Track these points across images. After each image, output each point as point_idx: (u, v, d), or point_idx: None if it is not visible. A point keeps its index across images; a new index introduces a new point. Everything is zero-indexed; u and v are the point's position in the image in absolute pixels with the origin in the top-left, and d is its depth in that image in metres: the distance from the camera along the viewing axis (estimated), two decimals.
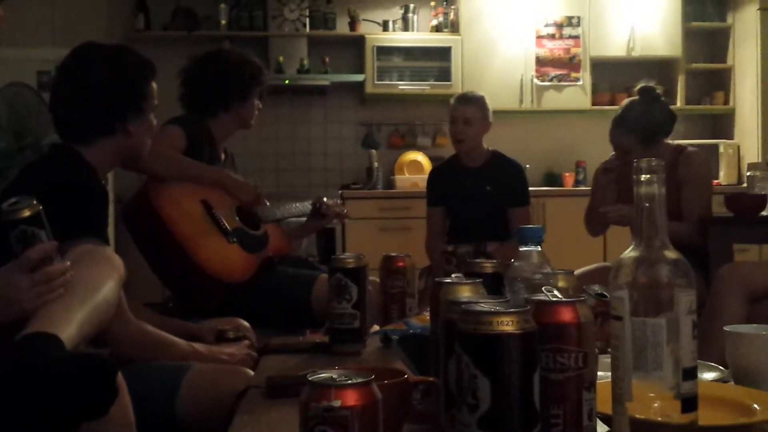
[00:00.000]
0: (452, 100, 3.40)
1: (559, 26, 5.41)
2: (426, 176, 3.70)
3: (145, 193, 2.28)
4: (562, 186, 5.52)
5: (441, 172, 3.52)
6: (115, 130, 1.76)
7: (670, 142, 2.93)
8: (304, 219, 2.79)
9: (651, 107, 2.81)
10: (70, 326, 1.21)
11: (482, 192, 3.31)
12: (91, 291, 1.31)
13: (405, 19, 5.44)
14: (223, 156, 2.62)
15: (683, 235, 2.57)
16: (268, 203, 2.62)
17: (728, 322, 1.63)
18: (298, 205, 2.76)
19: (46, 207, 1.33)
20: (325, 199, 2.76)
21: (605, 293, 1.33)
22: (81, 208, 1.58)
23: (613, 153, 2.89)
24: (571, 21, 5.42)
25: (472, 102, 3.32)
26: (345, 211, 2.83)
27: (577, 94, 5.42)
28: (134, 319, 1.58)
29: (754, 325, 1.37)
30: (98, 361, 1.10)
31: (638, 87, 2.89)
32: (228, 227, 2.36)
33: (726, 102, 5.61)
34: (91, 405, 1.08)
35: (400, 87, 5.30)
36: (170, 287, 2.43)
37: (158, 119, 1.93)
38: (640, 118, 2.79)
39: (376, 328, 1.71)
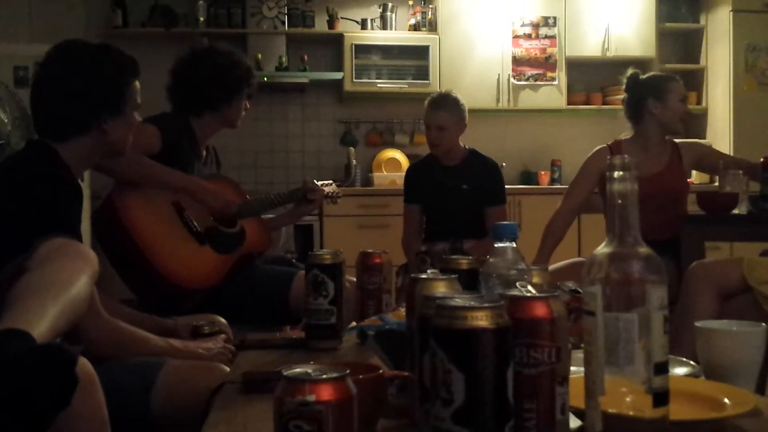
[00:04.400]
0: (426, 104, 3.35)
1: (536, 26, 5.44)
2: (403, 174, 3.70)
3: (111, 202, 2.23)
4: (537, 184, 5.55)
5: (418, 170, 3.52)
6: (90, 129, 1.73)
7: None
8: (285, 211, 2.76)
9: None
10: (42, 322, 1.19)
11: (459, 190, 3.32)
12: (63, 286, 1.29)
13: (383, 18, 5.45)
14: (204, 153, 2.60)
15: None
16: (248, 196, 2.60)
17: (700, 318, 1.65)
18: (278, 193, 2.73)
19: (18, 203, 1.31)
20: (315, 182, 2.73)
21: (579, 290, 1.34)
22: (52, 205, 1.56)
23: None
24: (547, 21, 5.45)
25: (445, 107, 3.27)
26: (337, 190, 2.80)
27: (552, 94, 5.46)
28: (106, 316, 1.56)
29: (725, 320, 1.39)
30: (56, 352, 1.08)
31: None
32: (199, 229, 2.33)
33: (699, 102, 5.67)
34: (52, 396, 1.05)
35: (378, 85, 5.30)
36: (137, 295, 2.35)
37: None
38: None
39: (353, 324, 1.71)
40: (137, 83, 1.83)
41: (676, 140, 3.13)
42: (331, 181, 2.91)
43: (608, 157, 3.08)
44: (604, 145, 3.16)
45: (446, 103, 3.30)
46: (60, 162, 1.68)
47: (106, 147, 1.79)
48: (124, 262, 2.24)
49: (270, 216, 2.75)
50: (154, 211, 2.27)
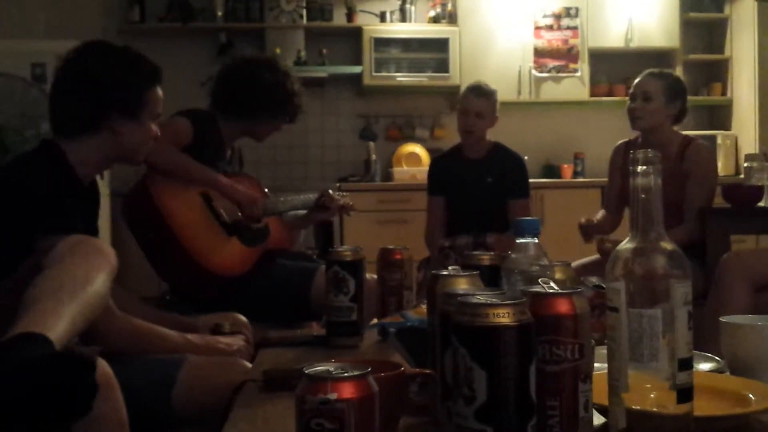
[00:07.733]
0: (465, 91, 3.39)
1: (557, 17, 5.40)
2: (424, 168, 3.70)
3: (144, 185, 2.28)
4: (560, 178, 5.51)
5: (442, 162, 3.52)
6: (100, 129, 1.71)
7: (678, 131, 2.97)
8: (305, 212, 2.79)
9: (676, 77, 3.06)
10: (60, 324, 1.18)
11: (483, 183, 3.31)
12: (81, 285, 1.27)
13: (402, 11, 5.43)
14: (229, 152, 2.62)
15: (683, 240, 2.55)
16: (270, 195, 2.63)
17: (734, 312, 1.62)
18: (302, 196, 2.76)
19: (16, 202, 1.30)
20: (330, 192, 2.77)
21: (602, 285, 1.33)
22: (49, 204, 1.54)
23: None
24: (569, 12, 5.41)
25: (486, 96, 3.32)
26: (350, 203, 2.83)
27: (575, 86, 5.41)
28: (119, 312, 1.54)
29: (750, 315, 1.37)
30: (74, 359, 1.06)
31: None
32: (228, 220, 2.37)
33: (724, 93, 5.60)
34: (71, 404, 1.04)
35: (398, 79, 5.29)
36: (166, 280, 2.44)
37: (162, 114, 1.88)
38: (670, 72, 3.03)
39: (374, 321, 1.71)
40: (158, 91, 1.79)
41: (701, 140, 2.95)
42: (346, 193, 2.96)
43: (622, 151, 3.08)
44: (624, 140, 3.14)
45: (488, 91, 3.36)
46: (62, 161, 1.67)
47: (118, 151, 1.75)
48: (156, 246, 2.30)
49: (289, 216, 2.79)
50: (185, 200, 2.32)
